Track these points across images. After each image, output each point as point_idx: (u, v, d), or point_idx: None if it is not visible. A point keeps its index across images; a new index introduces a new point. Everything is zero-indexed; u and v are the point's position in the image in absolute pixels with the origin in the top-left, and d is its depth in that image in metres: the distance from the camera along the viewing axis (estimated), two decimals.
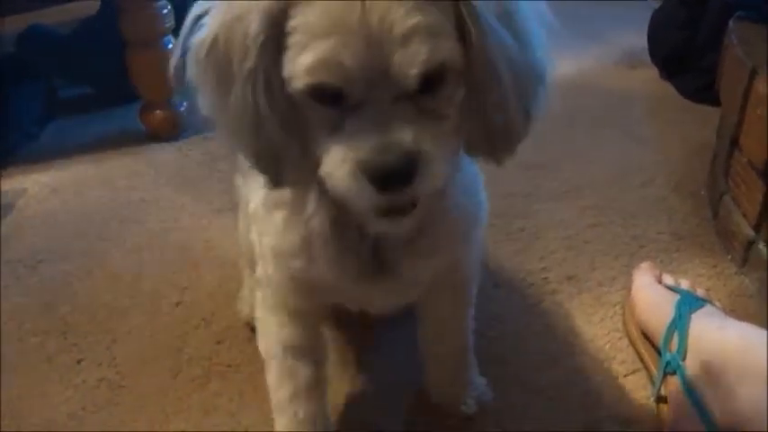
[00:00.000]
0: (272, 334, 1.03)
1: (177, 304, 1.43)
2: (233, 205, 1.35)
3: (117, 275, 1.52)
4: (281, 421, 1.05)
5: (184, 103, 2.05)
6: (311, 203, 0.86)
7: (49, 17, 2.43)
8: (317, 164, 0.73)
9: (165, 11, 1.94)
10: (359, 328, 1.31)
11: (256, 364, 1.27)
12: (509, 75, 0.71)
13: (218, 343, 1.33)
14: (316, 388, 1.04)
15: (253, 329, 1.32)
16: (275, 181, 0.78)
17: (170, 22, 1.95)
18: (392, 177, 0.68)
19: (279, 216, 0.89)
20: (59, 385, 1.28)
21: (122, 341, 1.36)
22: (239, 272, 1.41)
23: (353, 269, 0.89)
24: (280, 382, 1.04)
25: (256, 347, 1.29)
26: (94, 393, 1.25)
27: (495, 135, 0.76)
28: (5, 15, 2.08)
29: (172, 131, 2.05)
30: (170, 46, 1.97)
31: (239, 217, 1.29)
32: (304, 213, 0.87)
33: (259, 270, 1.01)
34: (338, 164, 0.70)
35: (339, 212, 0.84)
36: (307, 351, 1.03)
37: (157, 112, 2.03)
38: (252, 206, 0.96)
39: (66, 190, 1.86)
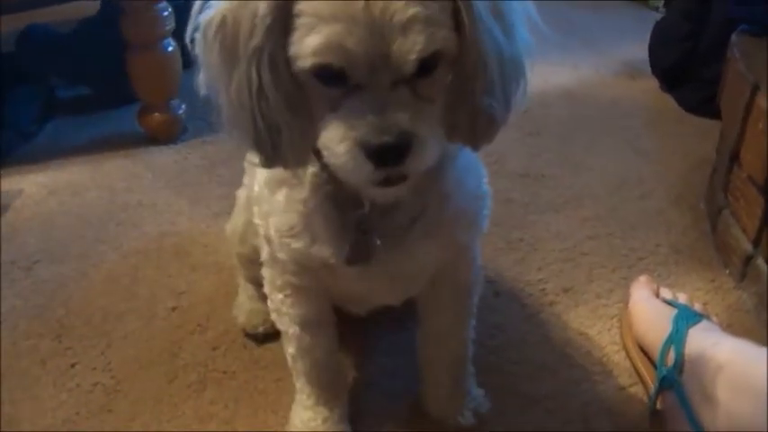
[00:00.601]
0: (287, 314, 1.07)
1: (173, 309, 1.42)
2: (231, 210, 1.35)
3: (113, 279, 1.52)
4: (301, 384, 1.14)
5: (183, 106, 2.04)
6: (307, 183, 0.90)
7: (49, 17, 2.42)
8: (314, 141, 0.78)
9: (166, 13, 1.93)
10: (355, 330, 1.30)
11: (252, 371, 1.27)
12: (496, 65, 0.78)
13: (214, 349, 1.32)
14: (332, 358, 1.13)
15: (248, 336, 1.33)
16: (270, 160, 0.81)
17: (171, 25, 1.94)
18: (388, 155, 0.74)
19: (281, 195, 0.93)
20: (53, 389, 1.27)
21: (117, 345, 1.35)
22: (236, 277, 1.41)
23: (351, 247, 0.92)
24: (300, 355, 1.10)
25: (252, 354, 1.31)
26: (89, 398, 1.25)
27: (478, 120, 0.80)
28: (3, 14, 2.07)
29: (170, 134, 2.04)
30: (170, 48, 1.96)
31: (234, 212, 1.31)
32: (302, 193, 0.90)
33: (264, 253, 1.04)
34: (338, 140, 0.75)
35: (337, 191, 0.88)
36: (322, 326, 1.09)
37: (156, 114, 2.02)
38: (256, 188, 0.99)
39: (62, 191, 1.84)
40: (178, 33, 1.93)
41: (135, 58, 1.96)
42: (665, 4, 2.41)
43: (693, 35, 2.09)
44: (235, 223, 1.30)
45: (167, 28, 1.94)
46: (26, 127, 2.10)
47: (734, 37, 1.61)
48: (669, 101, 2.19)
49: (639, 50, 2.35)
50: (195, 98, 0.81)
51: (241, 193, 1.28)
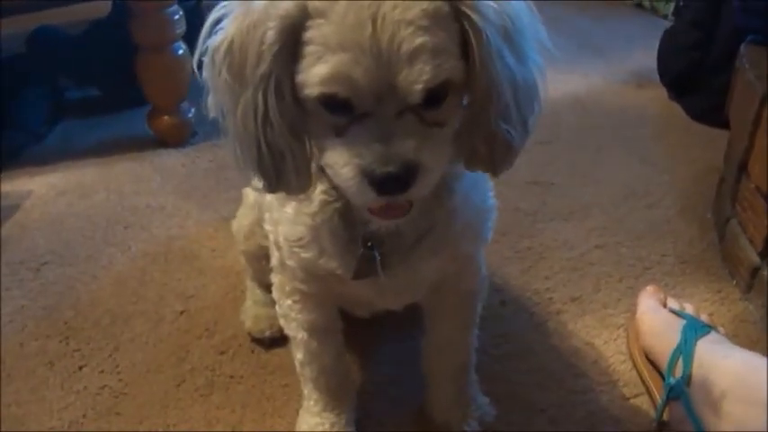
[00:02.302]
0: (295, 319, 1.07)
1: (181, 313, 1.42)
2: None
3: (121, 281, 1.52)
4: (309, 390, 1.14)
5: (192, 110, 2.05)
6: (317, 198, 0.90)
7: (59, 18, 2.43)
8: (318, 165, 0.79)
9: (177, 16, 1.94)
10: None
11: (260, 376, 1.28)
12: (510, 90, 0.77)
13: (222, 353, 1.33)
14: (340, 363, 1.14)
15: (255, 341, 1.33)
16: (273, 185, 0.81)
17: (181, 28, 1.95)
18: (392, 185, 0.74)
19: (290, 207, 0.93)
20: (60, 391, 1.27)
21: (125, 348, 1.35)
22: (243, 281, 1.41)
23: (358, 263, 0.92)
24: (307, 361, 1.11)
25: (260, 359, 1.31)
26: (96, 400, 1.25)
27: (495, 146, 0.80)
28: (13, 14, 2.08)
29: (180, 138, 2.05)
30: (180, 52, 1.97)
31: (241, 209, 1.32)
32: (310, 207, 0.91)
33: (274, 259, 1.05)
34: (342, 163, 0.75)
35: (345, 208, 0.89)
36: (329, 332, 1.10)
37: (165, 117, 2.02)
38: (267, 196, 0.99)
39: (71, 193, 1.85)
40: (188, 37, 1.94)
41: (145, 60, 1.97)
42: (674, 13, 2.41)
43: (702, 44, 2.09)
44: (241, 221, 1.31)
45: (177, 31, 1.94)
46: (36, 128, 2.11)
47: (743, 47, 1.61)
48: (677, 109, 2.19)
49: (648, 59, 2.35)
50: (205, 113, 0.82)
51: (249, 191, 1.28)
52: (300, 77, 0.73)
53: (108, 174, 1.93)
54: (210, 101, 0.80)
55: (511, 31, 0.76)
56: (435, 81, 0.71)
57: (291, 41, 0.72)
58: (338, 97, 0.72)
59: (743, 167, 1.47)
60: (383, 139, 0.72)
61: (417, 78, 0.70)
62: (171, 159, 1.99)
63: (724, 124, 1.75)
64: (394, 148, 0.72)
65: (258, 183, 0.83)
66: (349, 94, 0.71)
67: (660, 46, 2.27)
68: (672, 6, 2.71)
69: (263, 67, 0.73)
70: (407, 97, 0.71)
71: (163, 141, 2.05)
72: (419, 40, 0.69)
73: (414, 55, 0.70)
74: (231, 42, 0.75)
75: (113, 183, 1.89)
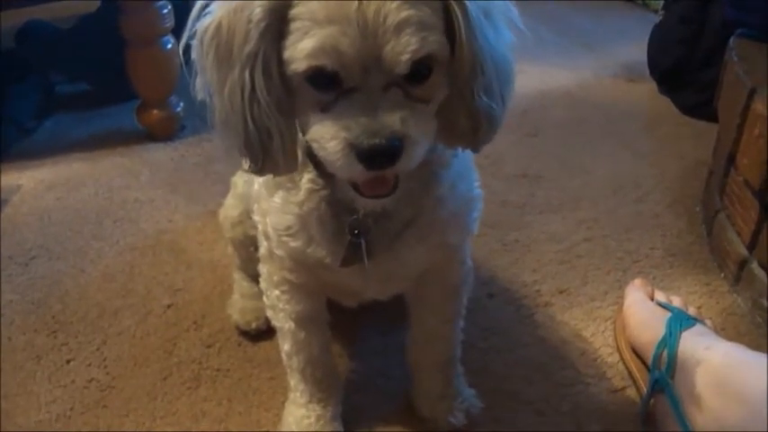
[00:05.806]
0: (283, 310, 1.08)
1: (169, 306, 1.42)
2: None
3: (109, 275, 1.52)
4: (296, 382, 1.14)
5: (181, 104, 2.05)
6: (304, 187, 0.91)
7: (49, 13, 2.43)
8: (303, 145, 0.81)
9: (166, 10, 1.93)
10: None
11: (246, 369, 1.28)
12: (491, 65, 0.79)
13: (209, 347, 1.32)
14: (327, 354, 1.14)
15: (242, 333, 1.33)
16: (260, 164, 0.82)
17: (170, 22, 1.94)
18: (379, 157, 0.74)
19: (278, 197, 0.94)
20: (48, 384, 1.27)
21: (113, 342, 1.35)
22: (231, 275, 1.41)
23: (346, 250, 0.93)
24: (294, 351, 1.11)
25: (246, 352, 1.31)
26: (83, 394, 1.25)
27: (479, 122, 0.81)
28: (3, 9, 2.07)
29: (168, 132, 2.05)
30: (169, 46, 1.96)
31: (229, 199, 1.33)
32: (298, 196, 0.91)
33: (262, 249, 1.06)
34: (329, 137, 0.76)
35: (332, 196, 0.90)
36: (317, 322, 1.11)
37: (154, 111, 2.02)
38: (256, 186, 1.01)
39: (60, 187, 1.85)
40: (177, 31, 1.94)
41: (134, 55, 1.97)
42: (664, 7, 2.42)
43: (691, 38, 2.10)
44: (228, 212, 1.32)
45: (166, 25, 1.94)
46: (26, 122, 2.11)
47: (732, 41, 1.61)
48: (667, 103, 2.20)
49: (638, 53, 2.36)
50: (193, 96, 0.82)
51: (239, 181, 1.29)
52: (288, 53, 0.74)
53: (97, 168, 1.93)
54: (198, 82, 0.81)
55: (488, 8, 0.79)
56: (421, 53, 0.73)
57: (278, 19, 0.74)
58: (326, 70, 0.73)
59: (731, 160, 1.47)
60: (370, 111, 0.74)
61: (404, 49, 0.72)
62: (159, 153, 1.99)
63: (713, 118, 1.75)
64: (380, 121, 0.74)
65: (245, 164, 0.83)
66: (336, 66, 0.72)
67: (650, 40, 2.28)
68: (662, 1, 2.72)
69: (251, 45, 0.75)
70: (394, 69, 0.73)
71: (152, 135, 2.05)
72: (405, 13, 0.71)
73: (400, 27, 0.71)
74: (219, 23, 0.77)
75: (102, 177, 1.89)
